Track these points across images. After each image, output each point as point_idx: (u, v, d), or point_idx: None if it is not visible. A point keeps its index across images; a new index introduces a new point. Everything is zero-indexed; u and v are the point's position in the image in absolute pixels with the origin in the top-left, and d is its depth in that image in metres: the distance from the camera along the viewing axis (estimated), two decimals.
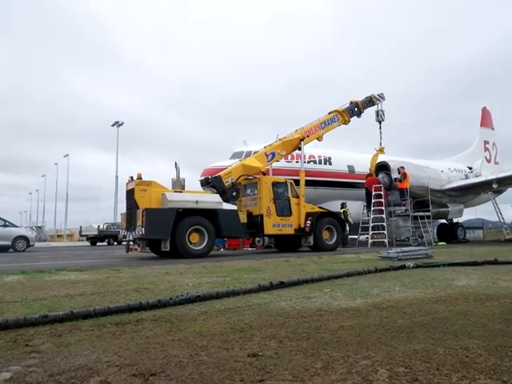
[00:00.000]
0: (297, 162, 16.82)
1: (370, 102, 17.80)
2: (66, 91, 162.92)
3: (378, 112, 18.20)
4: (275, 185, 13.90)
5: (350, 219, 17.24)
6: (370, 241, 16.95)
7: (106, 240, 31.69)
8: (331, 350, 2.49)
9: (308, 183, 15.63)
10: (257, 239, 16.89)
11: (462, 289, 4.77)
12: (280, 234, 14.00)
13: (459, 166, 24.51)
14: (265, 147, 15.04)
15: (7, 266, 9.11)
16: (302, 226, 13.86)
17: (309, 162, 18.12)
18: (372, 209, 17.24)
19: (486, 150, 28.84)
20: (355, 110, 17.13)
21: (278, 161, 15.26)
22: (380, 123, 18.30)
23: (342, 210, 17.00)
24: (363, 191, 18.57)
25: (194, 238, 11.68)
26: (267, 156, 14.45)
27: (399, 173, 17.77)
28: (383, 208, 17.03)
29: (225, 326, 3.15)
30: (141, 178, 11.80)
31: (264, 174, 14.12)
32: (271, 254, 12.56)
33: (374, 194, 17.30)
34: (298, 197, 14.15)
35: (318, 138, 15.90)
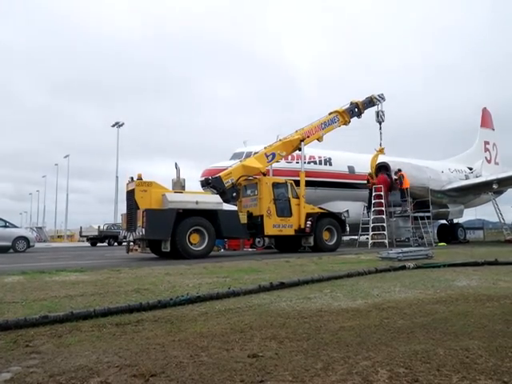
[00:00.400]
0: (297, 162, 16.83)
1: (370, 102, 17.80)
2: None
3: (378, 112, 18.21)
4: (275, 185, 13.90)
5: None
6: (371, 241, 16.95)
7: (107, 241, 31.67)
8: (331, 350, 2.49)
9: (308, 184, 15.63)
10: (257, 240, 16.89)
11: (463, 289, 4.77)
12: (280, 235, 14.00)
13: (459, 166, 24.51)
14: (265, 148, 15.05)
15: (7, 267, 9.11)
16: (303, 226, 13.86)
17: (309, 163, 18.12)
18: (372, 209, 17.23)
19: (487, 150, 28.84)
20: (355, 110, 17.13)
21: (278, 161, 15.26)
22: (380, 124, 18.32)
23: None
24: (363, 192, 18.57)
25: (195, 238, 11.68)
26: (267, 157, 14.45)
27: (395, 174, 17.76)
28: (383, 208, 17.03)
29: (225, 326, 3.15)
30: (141, 179, 11.81)
31: (264, 174, 14.13)
32: (271, 255, 12.56)
33: (374, 194, 17.29)
34: (298, 197, 14.15)
35: (318, 139, 15.91)
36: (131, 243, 12.59)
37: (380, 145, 18.37)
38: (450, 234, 21.87)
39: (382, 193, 17.16)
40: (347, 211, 16.42)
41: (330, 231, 14.61)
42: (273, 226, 13.47)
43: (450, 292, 4.59)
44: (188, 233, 11.49)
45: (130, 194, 12.02)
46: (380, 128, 18.35)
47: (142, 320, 3.37)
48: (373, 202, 17.24)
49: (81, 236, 38.37)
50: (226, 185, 13.24)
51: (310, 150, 17.88)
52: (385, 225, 16.82)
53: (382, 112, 18.23)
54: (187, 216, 11.59)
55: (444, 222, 22.58)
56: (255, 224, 13.31)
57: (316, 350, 2.50)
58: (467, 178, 22.73)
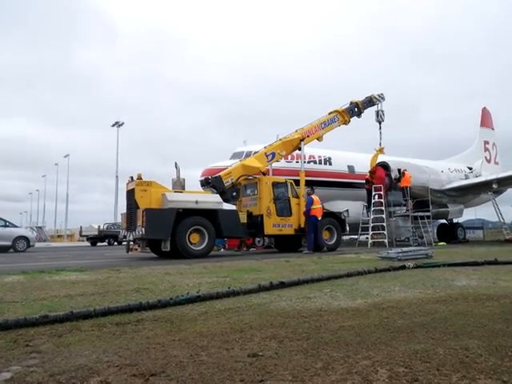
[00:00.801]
0: (297, 162, 16.83)
1: (370, 102, 17.81)
2: None
3: (377, 112, 18.21)
4: (275, 185, 13.90)
5: None
6: (370, 241, 16.96)
7: (107, 240, 31.68)
8: (331, 350, 2.49)
9: (308, 183, 15.63)
10: (257, 239, 16.89)
11: (462, 289, 4.77)
12: (280, 234, 14.00)
13: (459, 166, 24.53)
14: (265, 147, 15.05)
15: (7, 267, 9.11)
16: (302, 226, 13.86)
17: (309, 162, 18.13)
18: (372, 209, 17.24)
19: (486, 150, 28.85)
20: (355, 110, 17.14)
21: (278, 161, 15.27)
22: (380, 123, 18.32)
23: None
24: (363, 191, 18.56)
25: (194, 238, 11.68)
26: (267, 156, 14.46)
27: (399, 172, 17.77)
28: (383, 208, 17.03)
29: (225, 326, 3.15)
30: (141, 178, 11.81)
31: (264, 174, 14.12)
32: (271, 254, 12.56)
33: (374, 193, 17.29)
34: (298, 197, 14.15)
35: (318, 139, 15.91)
36: (131, 243, 12.59)
37: (380, 144, 18.37)
38: (450, 233, 21.88)
39: (382, 192, 17.17)
40: (347, 211, 16.41)
41: (330, 231, 14.62)
42: (273, 225, 13.47)
43: (449, 291, 4.59)
44: (188, 232, 11.49)
45: (130, 194, 12.03)
46: (380, 128, 18.35)
47: (142, 319, 3.37)
48: (373, 201, 17.24)
49: (81, 236, 38.36)
50: (226, 184, 13.25)
51: (310, 149, 17.88)
52: (384, 224, 16.82)
53: (382, 111, 18.23)
54: (187, 215, 11.60)
55: (444, 221, 22.58)
56: (255, 223, 13.31)
57: (316, 349, 2.50)
58: (467, 177, 22.73)
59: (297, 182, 14.62)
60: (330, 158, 19.81)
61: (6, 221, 20.16)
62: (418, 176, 18.59)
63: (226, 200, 12.80)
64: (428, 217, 18.03)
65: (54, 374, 2.13)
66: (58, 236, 68.37)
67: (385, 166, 18.44)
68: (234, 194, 13.58)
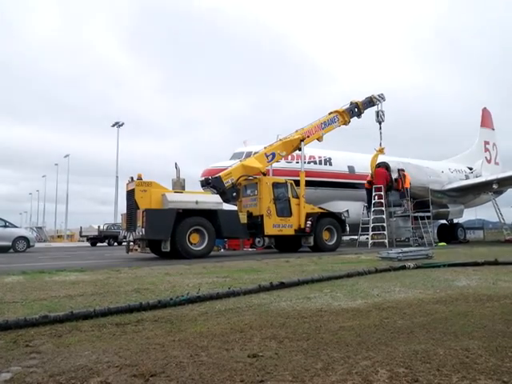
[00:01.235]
0: (297, 162, 16.83)
1: (370, 102, 17.81)
2: None
3: (378, 112, 18.22)
4: (275, 185, 13.90)
5: None
6: (370, 241, 16.96)
7: (107, 241, 31.67)
8: (331, 350, 2.49)
9: (308, 184, 15.63)
10: (257, 240, 16.90)
11: (463, 289, 4.77)
12: (280, 235, 14.00)
13: (459, 166, 24.52)
14: (265, 148, 15.05)
15: (7, 267, 9.11)
16: (302, 226, 13.86)
17: (309, 163, 18.12)
18: (372, 209, 17.24)
19: (487, 150, 28.84)
20: (355, 110, 17.14)
21: (278, 161, 15.26)
22: (380, 124, 18.32)
23: None
24: (363, 192, 18.56)
25: (195, 238, 11.68)
26: (267, 156, 14.46)
27: (399, 173, 17.77)
28: (383, 208, 17.03)
29: (225, 326, 3.14)
30: (141, 179, 11.81)
31: (264, 174, 14.13)
32: (271, 255, 12.56)
33: (374, 194, 17.30)
34: (298, 197, 14.15)
35: (318, 139, 15.91)
36: (131, 243, 12.59)
37: (380, 145, 18.38)
38: (450, 233, 21.88)
39: (383, 193, 17.17)
40: (347, 211, 16.41)
41: (330, 231, 14.62)
42: (273, 225, 13.47)
43: (449, 292, 4.59)
44: (188, 233, 11.50)
45: (130, 194, 12.03)
46: (380, 128, 18.36)
47: (142, 320, 3.37)
48: (373, 201, 17.24)
49: (81, 236, 38.37)
50: (226, 185, 13.25)
51: (310, 149, 17.88)
52: (385, 225, 16.82)
53: (382, 112, 18.24)
54: (187, 216, 11.60)
55: (444, 221, 22.58)
56: (255, 224, 13.31)
57: (316, 349, 2.50)
58: (467, 177, 22.75)
59: (297, 183, 14.62)
60: (330, 159, 19.80)
61: (5, 221, 20.16)
62: (418, 176, 18.59)
63: (226, 200, 12.80)
64: (428, 217, 18.03)
65: (53, 375, 2.13)
66: (58, 236, 68.38)
67: (385, 166, 18.45)
68: (234, 194, 13.58)
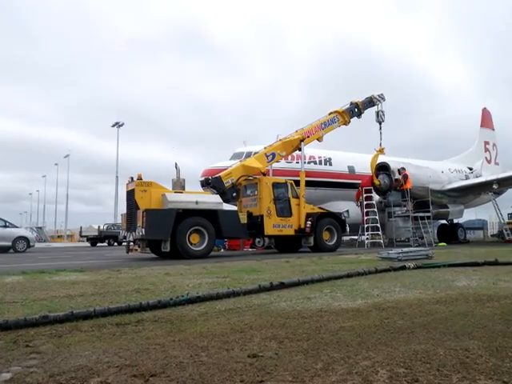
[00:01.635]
0: (297, 162, 16.84)
1: (370, 102, 17.82)
2: None
3: (378, 112, 18.23)
4: (275, 185, 13.90)
5: None
6: (367, 242, 17.01)
7: (107, 241, 31.69)
8: (331, 350, 2.49)
9: (308, 184, 15.64)
10: (257, 240, 16.91)
11: (463, 289, 4.77)
12: (280, 235, 14.00)
13: (459, 166, 24.52)
14: (265, 148, 15.06)
15: (7, 267, 9.11)
16: (303, 226, 13.86)
17: (309, 163, 18.13)
18: (365, 210, 17.33)
19: (487, 150, 28.84)
20: (355, 110, 17.15)
21: (278, 161, 15.27)
22: (380, 124, 18.34)
23: None
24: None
25: (195, 238, 11.68)
26: (267, 157, 14.46)
27: (399, 174, 17.79)
28: (375, 209, 17.18)
29: (225, 326, 3.14)
30: (141, 179, 11.82)
31: (264, 174, 14.13)
32: (271, 255, 12.56)
33: (364, 195, 17.39)
34: (298, 197, 14.15)
35: (318, 139, 15.92)
36: (131, 243, 12.60)
37: (380, 145, 18.40)
38: (450, 234, 21.90)
39: (372, 194, 17.33)
40: (347, 211, 16.43)
41: (330, 231, 14.62)
42: (273, 226, 13.47)
43: (449, 292, 4.59)
44: (188, 233, 11.50)
45: (130, 194, 12.03)
46: (380, 128, 18.37)
47: (142, 320, 3.37)
48: (364, 203, 17.35)
49: (81, 236, 38.39)
50: (226, 185, 13.25)
51: (310, 150, 17.90)
52: (378, 225, 16.92)
53: (382, 112, 18.25)
54: (187, 216, 11.60)
55: (444, 222, 22.60)
56: (255, 224, 13.31)
57: (316, 350, 2.50)
58: (467, 178, 22.76)
59: (297, 183, 14.62)
60: (330, 159, 19.82)
61: (5, 221, 20.16)
62: (418, 176, 18.61)
63: (226, 200, 12.81)
64: (428, 217, 18.05)
65: (53, 375, 2.13)
66: (58, 236, 68.36)
67: (385, 166, 18.47)
68: (234, 194, 13.59)
